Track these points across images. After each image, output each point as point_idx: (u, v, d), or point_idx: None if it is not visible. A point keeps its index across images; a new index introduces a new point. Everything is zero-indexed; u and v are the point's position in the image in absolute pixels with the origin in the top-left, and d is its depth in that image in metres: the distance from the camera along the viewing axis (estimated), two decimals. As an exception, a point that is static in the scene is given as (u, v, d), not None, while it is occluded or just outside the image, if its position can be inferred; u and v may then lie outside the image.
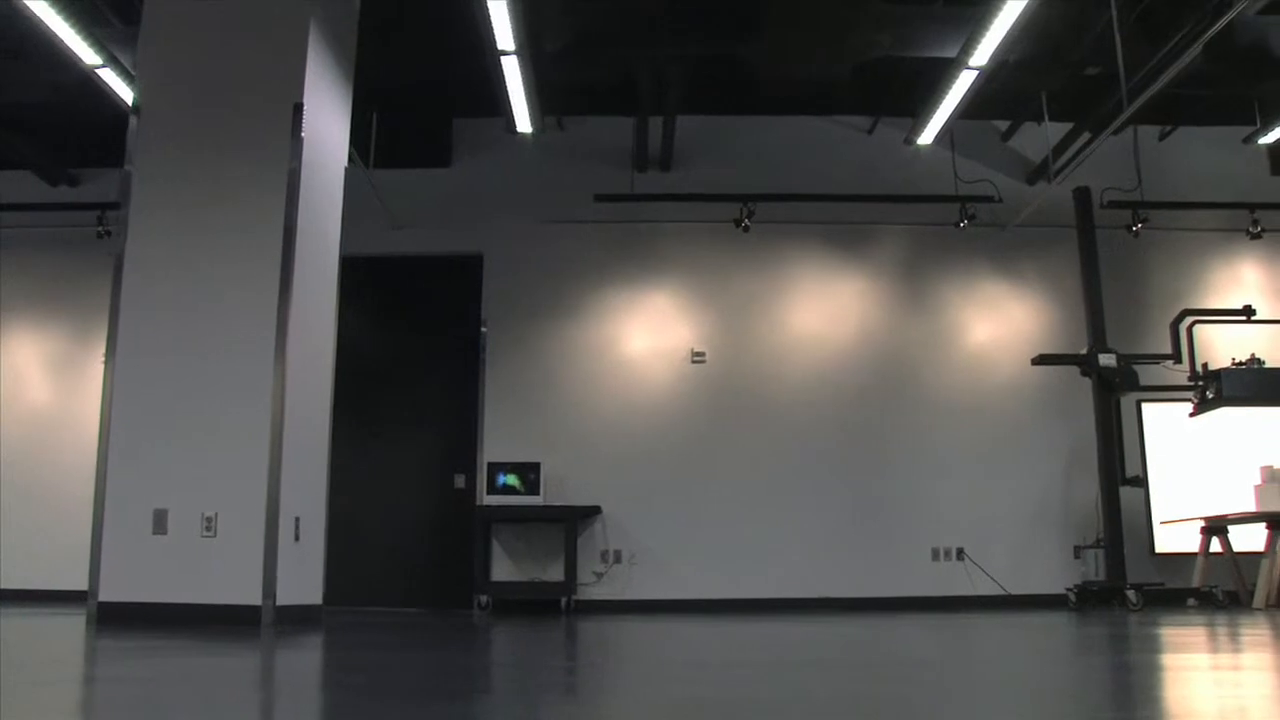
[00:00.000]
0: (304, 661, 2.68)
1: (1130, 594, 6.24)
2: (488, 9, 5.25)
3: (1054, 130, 7.64)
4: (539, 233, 7.88)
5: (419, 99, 7.82)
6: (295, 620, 4.67)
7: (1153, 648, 3.00)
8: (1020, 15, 5.29)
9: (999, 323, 7.92)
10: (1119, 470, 7.39)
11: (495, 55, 5.67)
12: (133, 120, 4.79)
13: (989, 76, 6.06)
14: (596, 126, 7.98)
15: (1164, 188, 7.92)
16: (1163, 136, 8.19)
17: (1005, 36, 5.47)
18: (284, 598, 4.55)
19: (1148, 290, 7.88)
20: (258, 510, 4.49)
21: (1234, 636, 3.54)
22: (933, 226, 7.86)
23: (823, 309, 7.88)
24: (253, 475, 4.51)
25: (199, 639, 3.44)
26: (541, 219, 7.88)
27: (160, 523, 4.51)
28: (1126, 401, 7.46)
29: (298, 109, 4.78)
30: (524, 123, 6.46)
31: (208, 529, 4.51)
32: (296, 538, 4.75)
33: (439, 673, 2.33)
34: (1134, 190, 7.64)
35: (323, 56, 5.05)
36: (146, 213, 4.72)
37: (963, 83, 5.93)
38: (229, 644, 3.24)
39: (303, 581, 4.84)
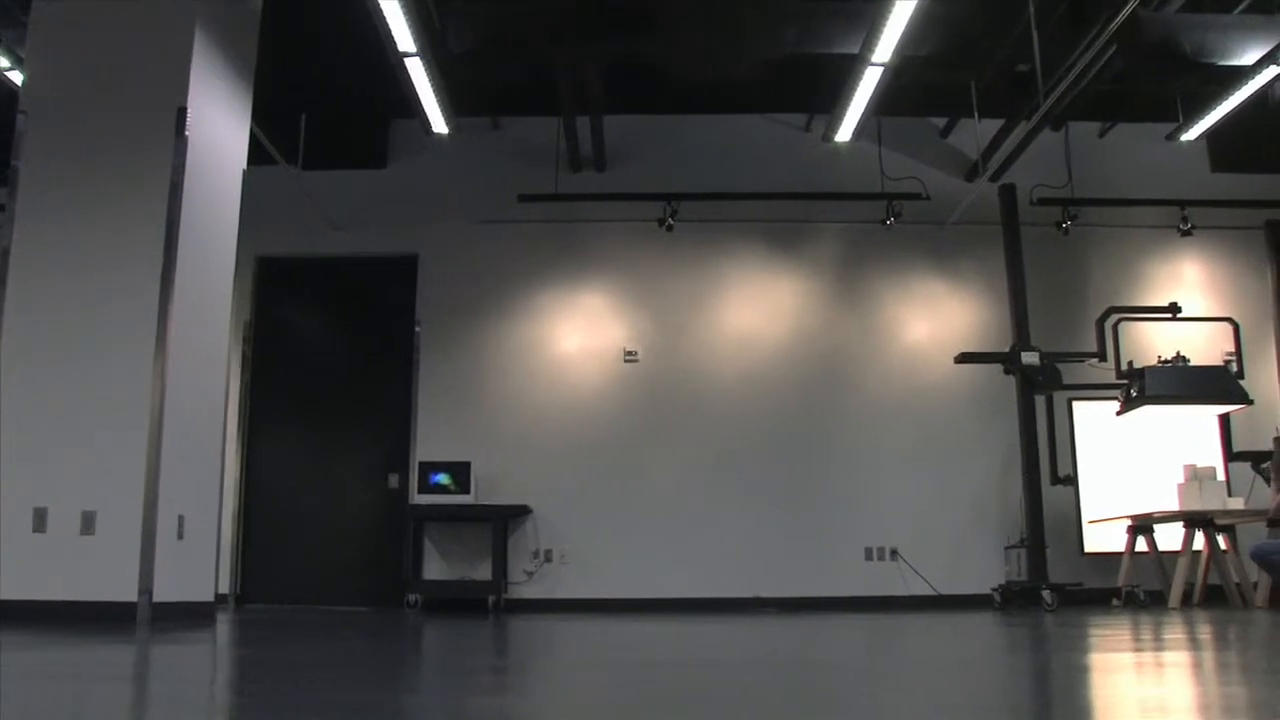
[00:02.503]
0: (126, 656, 2.70)
1: (1045, 594, 6.19)
2: (382, 11, 5.27)
3: (990, 126, 7.62)
4: (474, 233, 7.91)
5: (356, 101, 7.86)
6: (180, 617, 4.70)
7: (1020, 647, 2.98)
8: (919, 10, 5.26)
9: (936, 321, 7.89)
10: (1050, 469, 7.37)
11: (398, 57, 5.68)
12: (20, 119, 4.84)
13: (898, 71, 6.04)
14: (532, 127, 8.00)
15: (1103, 185, 7.88)
16: (1102, 133, 8.14)
17: (906, 31, 5.44)
18: (164, 595, 4.58)
19: (1083, 287, 7.83)
20: (135, 508, 4.53)
21: (1112, 636, 3.51)
22: (868, 224, 7.84)
23: (756, 307, 7.87)
24: (131, 473, 4.55)
25: (56, 636, 3.47)
26: (476, 219, 7.91)
27: (40, 521, 4.55)
28: (1059, 400, 7.42)
29: (181, 111, 4.81)
30: (439, 124, 6.48)
31: (86, 527, 4.55)
32: (180, 535, 4.79)
33: (279, 666, 2.35)
34: (1064, 187, 7.59)
35: (212, 59, 5.09)
36: (32, 212, 4.76)
37: (870, 79, 5.90)
38: (78, 640, 3.28)
39: (188, 579, 4.87)
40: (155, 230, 4.72)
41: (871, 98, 6.14)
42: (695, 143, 8.03)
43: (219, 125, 5.20)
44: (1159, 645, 2.92)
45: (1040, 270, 7.59)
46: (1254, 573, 6.49)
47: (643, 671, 2.17)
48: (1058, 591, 6.29)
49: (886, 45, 5.55)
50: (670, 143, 8.04)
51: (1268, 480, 6.63)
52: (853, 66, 5.88)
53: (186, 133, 4.81)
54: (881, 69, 5.78)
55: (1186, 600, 6.78)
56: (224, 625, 4.65)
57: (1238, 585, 6.54)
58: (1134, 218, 7.81)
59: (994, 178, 7.59)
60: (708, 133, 8.05)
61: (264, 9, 5.64)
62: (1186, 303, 7.76)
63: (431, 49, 5.74)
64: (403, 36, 5.54)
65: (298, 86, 7.49)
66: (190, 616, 4.80)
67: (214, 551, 5.17)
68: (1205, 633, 3.63)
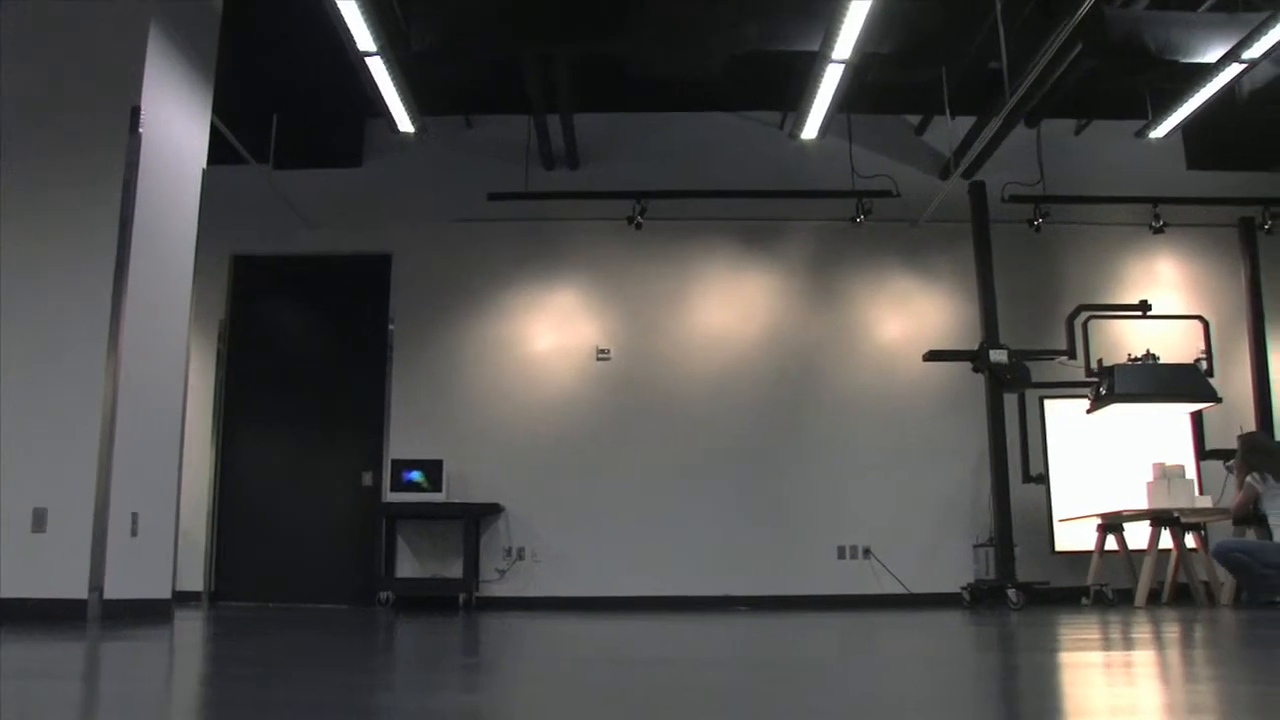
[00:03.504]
0: (60, 654, 2.72)
1: (1011, 593, 6.18)
2: (339, 10, 5.29)
3: (965, 124, 7.59)
4: (447, 232, 7.92)
5: (330, 101, 7.87)
6: (135, 614, 4.72)
7: (968, 646, 2.98)
8: (879, 8, 5.25)
9: (909, 319, 7.88)
10: (1022, 467, 7.36)
11: (359, 57, 5.70)
12: (-26, 120, 4.86)
13: (861, 69, 6.03)
14: (505, 126, 8.00)
15: (1079, 182, 7.86)
16: (1078, 130, 8.12)
17: (866, 29, 5.43)
18: (116, 592, 4.60)
19: (1056, 285, 7.81)
20: (87, 505, 4.55)
21: (1060, 636, 3.51)
22: (841, 222, 7.82)
23: (729, 306, 7.87)
24: (83, 471, 4.57)
25: (3, 633, 3.50)
26: (450, 218, 7.92)
27: (-8, 518, 4.57)
28: (1030, 398, 7.41)
29: (135, 110, 4.83)
30: (404, 123, 6.49)
31: (38, 524, 4.57)
32: (134, 533, 4.81)
33: (219, 662, 2.37)
34: (1036, 185, 7.58)
35: (169, 58, 5.11)
36: (-14, 212, 4.78)
37: (832, 76, 5.89)
38: (22, 637, 3.30)
39: (143, 576, 4.89)
40: (109, 229, 4.74)
41: (836, 95, 6.13)
42: (670, 141, 8.03)
43: (176, 124, 5.22)
44: (1101, 645, 2.91)
45: (1013, 268, 7.58)
46: (1224, 572, 6.47)
47: (599, 670, 2.17)
48: (1024, 590, 6.27)
49: (846, 42, 5.54)
50: (645, 141, 8.04)
51: None
52: (814, 64, 5.87)
53: (140, 129, 4.83)
54: (843, 66, 5.77)
55: (1155, 599, 6.77)
56: (186, 623, 4.68)
57: (1205, 584, 6.52)
58: (1108, 215, 7.79)
59: (967, 175, 7.57)
60: (683, 131, 8.05)
61: (234, 9, 5.65)
62: (1162, 300, 7.75)
63: (393, 48, 5.75)
64: (362, 36, 5.55)
65: (270, 86, 7.52)
66: (144, 614, 4.82)
67: (171, 549, 5.18)
68: (1151, 633, 3.62)
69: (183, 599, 7.46)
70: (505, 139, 7.98)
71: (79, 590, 4.49)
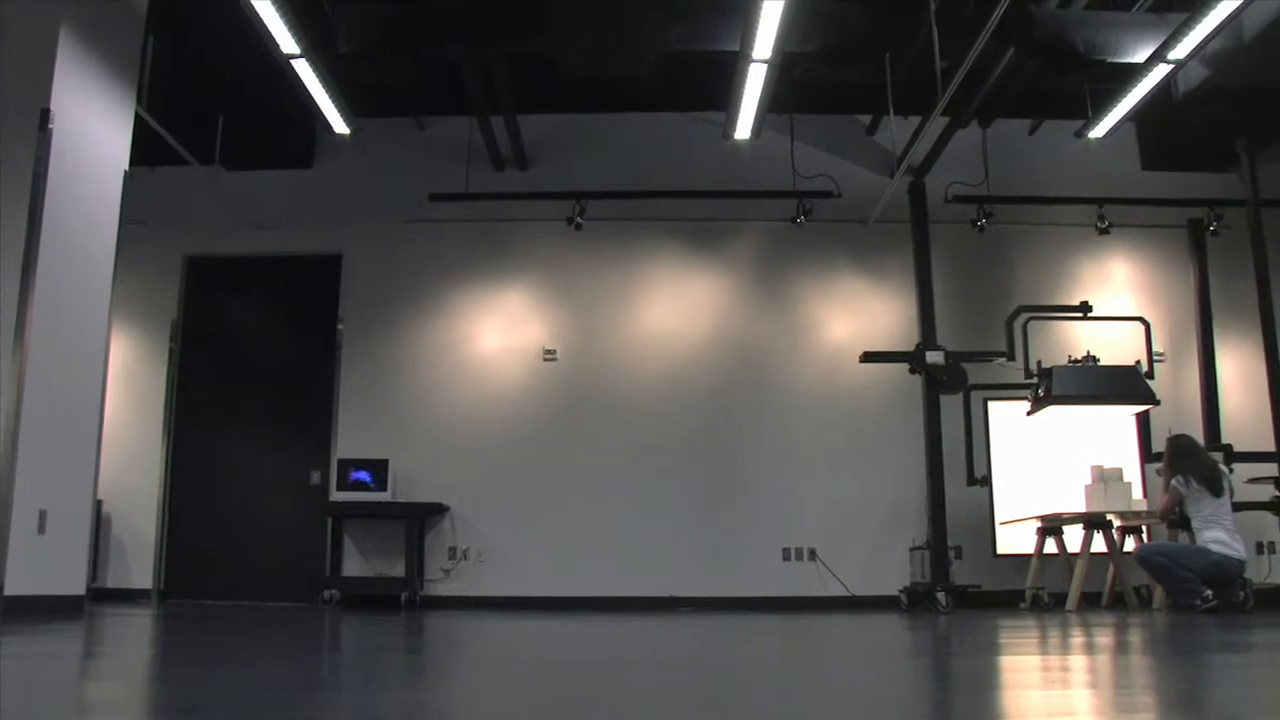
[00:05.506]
0: None
1: (940, 596, 6.15)
2: (258, 13, 5.32)
3: (915, 124, 7.55)
4: (397, 232, 7.95)
5: (281, 103, 7.90)
6: (40, 611, 4.77)
7: (871, 647, 2.99)
8: (795, 7, 5.23)
9: (857, 320, 7.84)
10: (967, 470, 7.31)
11: (284, 59, 5.73)
12: (-112, 123, 4.92)
13: (786, 68, 6.02)
14: (455, 127, 8.00)
15: (1032, 183, 7.81)
16: (1032, 130, 8.06)
17: (785, 28, 5.41)
18: (20, 588, 4.65)
19: (1005, 286, 7.74)
20: (-11, 502, 4.59)
21: (963, 640, 3.50)
22: (789, 223, 7.79)
23: (677, 306, 7.86)
24: (-14, 469, 4.61)
25: None
26: (400, 219, 7.96)
27: (-101, 515, 4.63)
28: (975, 400, 7.36)
29: (45, 113, 4.88)
30: (339, 125, 6.53)
31: (-57, 521, 4.62)
32: (41, 530, 4.86)
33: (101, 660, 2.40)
34: (981, 185, 7.53)
35: (84, 60, 5.16)
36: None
37: (755, 76, 5.87)
38: None
39: (51, 573, 4.93)
40: (16, 234, 4.78)
41: (764, 95, 6.11)
42: (618, 142, 8.03)
43: (92, 125, 5.26)
44: (978, 651, 2.90)
45: (959, 269, 7.54)
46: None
47: (515, 670, 2.19)
48: (957, 594, 6.24)
49: (765, 42, 5.52)
50: (593, 142, 8.05)
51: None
52: (736, 64, 5.86)
53: (50, 126, 4.88)
54: (765, 66, 5.75)
55: (1093, 602, 6.71)
56: (99, 620, 4.72)
57: (1139, 588, 6.47)
58: (1058, 216, 7.73)
59: (919, 175, 7.53)
60: (631, 132, 8.05)
61: (180, 10, 5.68)
62: (1113, 302, 7.68)
63: (319, 50, 5.78)
64: (284, 38, 5.59)
65: (220, 87, 7.57)
66: (52, 611, 4.87)
67: (85, 546, 5.23)
68: (1037, 638, 3.60)
69: (132, 596, 7.56)
70: (455, 140, 7.99)
71: (-20, 586, 4.54)
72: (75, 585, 5.15)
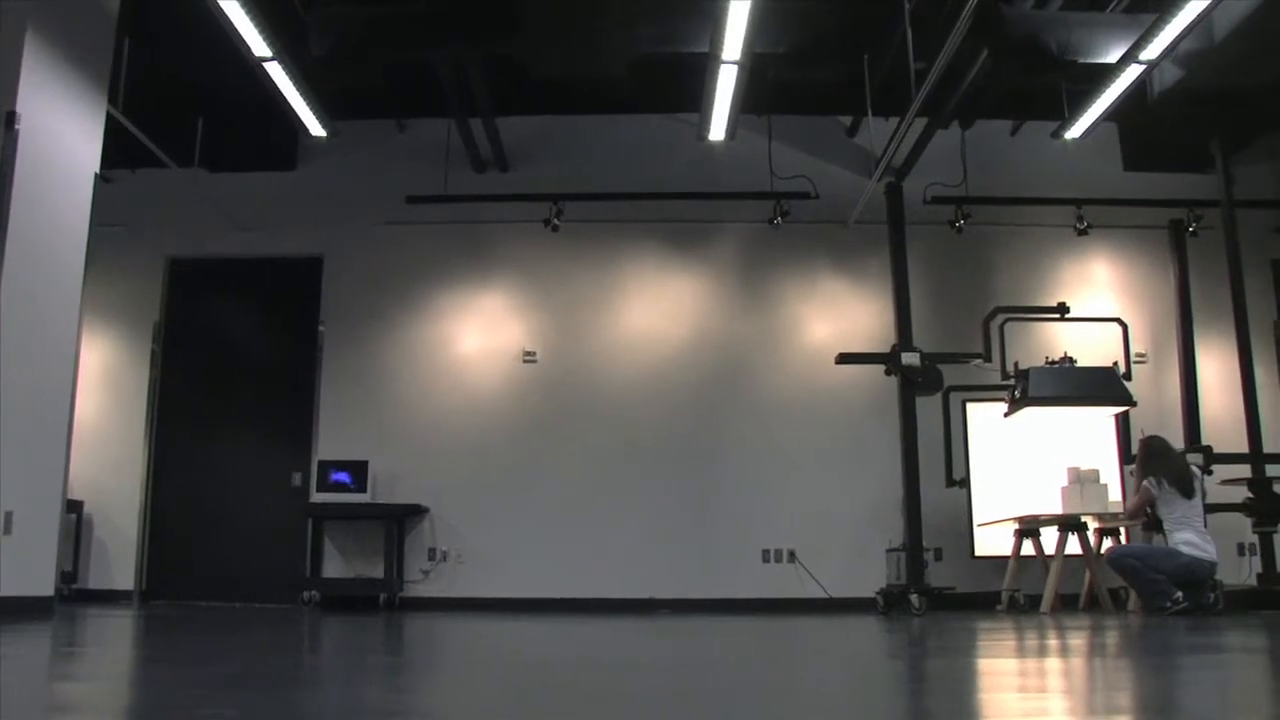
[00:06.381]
0: None
1: (913, 598, 6.13)
2: (228, 16, 5.34)
3: (892, 125, 7.54)
4: (377, 234, 7.96)
5: (263, 105, 7.92)
6: (9, 612, 4.78)
7: (836, 648, 2.99)
8: (765, 8, 5.23)
9: (838, 321, 7.83)
10: (946, 471, 7.30)
11: (256, 61, 5.75)
12: None
13: (758, 69, 6.01)
14: (436, 129, 8.00)
15: (1011, 184, 7.79)
16: (1014, 132, 8.05)
17: (755, 30, 5.40)
18: (-16, 588, 4.66)
19: (984, 287, 7.71)
20: (-46, 504, 4.61)
21: (927, 643, 3.49)
22: (769, 225, 7.78)
23: (657, 308, 7.86)
24: (-48, 470, 4.63)
25: None
26: (380, 221, 7.97)
27: None
28: (954, 401, 7.34)
29: (10, 115, 4.90)
30: (315, 127, 6.54)
31: (-92, 521, 4.64)
32: (8, 530, 4.87)
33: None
34: (959, 186, 7.51)
35: (52, 62, 5.17)
36: None
37: (726, 77, 5.87)
38: None
39: (18, 573, 4.95)
40: (-18, 233, 4.80)
41: (736, 96, 6.10)
42: (598, 144, 8.04)
43: (62, 128, 5.28)
44: (934, 653, 2.89)
45: (938, 270, 7.53)
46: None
47: (488, 670, 2.19)
48: (932, 595, 6.22)
49: (734, 43, 5.52)
50: (573, 144, 8.05)
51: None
52: (707, 65, 5.86)
53: (17, 127, 4.89)
54: (735, 67, 5.74)
55: (1071, 605, 6.69)
56: (66, 622, 4.74)
57: (1115, 591, 6.44)
58: (1039, 217, 7.71)
59: (900, 177, 7.52)
60: (611, 134, 8.05)
61: (160, 11, 5.69)
62: (1094, 303, 7.66)
63: (291, 53, 5.79)
64: (255, 41, 5.60)
65: (203, 90, 7.58)
66: (19, 612, 4.88)
67: (53, 546, 5.25)
68: (994, 640, 3.59)
69: (114, 597, 7.58)
70: (436, 142, 8.00)
71: (-55, 587, 4.56)
72: (44, 586, 5.17)
